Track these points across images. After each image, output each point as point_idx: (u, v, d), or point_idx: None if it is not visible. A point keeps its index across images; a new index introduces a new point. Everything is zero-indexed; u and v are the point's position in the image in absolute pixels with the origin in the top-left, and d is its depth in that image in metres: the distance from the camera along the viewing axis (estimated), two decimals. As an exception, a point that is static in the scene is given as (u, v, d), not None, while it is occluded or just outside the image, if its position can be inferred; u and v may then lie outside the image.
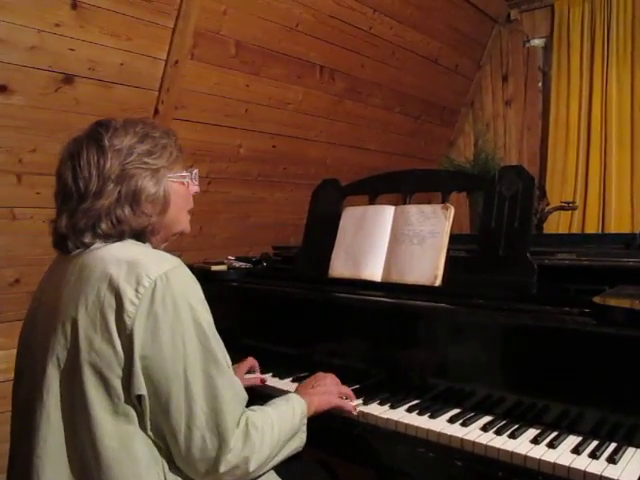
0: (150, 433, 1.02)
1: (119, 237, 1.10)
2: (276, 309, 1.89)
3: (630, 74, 3.48)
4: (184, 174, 1.22)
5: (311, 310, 1.78)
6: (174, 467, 1.05)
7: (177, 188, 1.20)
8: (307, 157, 3.21)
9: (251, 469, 1.08)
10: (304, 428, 1.23)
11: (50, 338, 1.04)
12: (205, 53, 2.43)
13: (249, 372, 1.69)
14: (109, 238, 1.10)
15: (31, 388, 1.07)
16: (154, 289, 1.00)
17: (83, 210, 1.08)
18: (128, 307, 0.99)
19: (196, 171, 1.27)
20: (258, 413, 1.15)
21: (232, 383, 1.09)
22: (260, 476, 1.17)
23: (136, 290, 0.99)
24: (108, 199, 1.08)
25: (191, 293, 1.05)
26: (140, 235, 1.14)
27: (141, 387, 0.99)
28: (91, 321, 1.00)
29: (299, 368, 1.71)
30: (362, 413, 1.42)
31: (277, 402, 1.24)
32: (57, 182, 1.14)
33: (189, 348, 1.02)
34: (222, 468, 1.04)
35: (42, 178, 2.15)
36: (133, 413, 1.01)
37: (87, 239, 1.09)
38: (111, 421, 0.99)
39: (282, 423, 1.17)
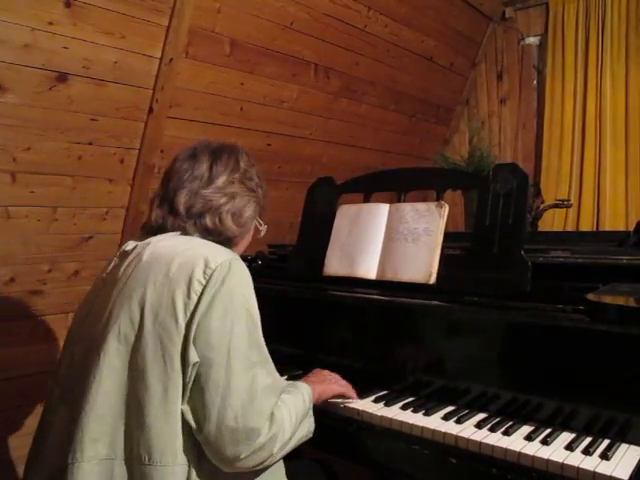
0: (184, 407, 1.07)
1: (202, 234, 1.25)
2: (271, 307, 1.88)
3: (624, 72, 3.48)
4: (262, 223, 1.41)
5: (306, 308, 1.78)
6: (200, 455, 1.09)
7: (252, 229, 1.39)
8: (302, 155, 3.20)
9: (275, 450, 1.12)
10: (311, 412, 1.27)
11: (114, 312, 1.14)
12: (199, 51, 2.42)
13: None
14: (197, 233, 1.24)
15: (85, 354, 1.15)
16: (218, 271, 1.10)
17: (203, 195, 1.24)
18: (196, 285, 1.09)
19: (266, 227, 1.44)
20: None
21: (271, 373, 1.16)
22: (267, 469, 1.19)
23: (204, 271, 1.10)
24: (222, 198, 1.25)
25: (246, 284, 1.16)
26: (223, 243, 1.26)
27: (196, 355, 1.07)
28: (158, 296, 1.10)
29: (294, 366, 1.71)
30: (357, 410, 1.43)
31: (287, 389, 1.28)
32: (187, 163, 1.29)
33: (236, 329, 1.10)
34: (249, 451, 1.07)
35: (36, 177, 2.15)
36: (181, 388, 1.06)
37: (189, 225, 1.24)
38: (162, 391, 1.06)
39: (297, 406, 1.22)
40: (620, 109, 3.50)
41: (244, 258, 2.29)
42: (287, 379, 1.65)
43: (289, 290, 1.84)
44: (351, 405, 1.44)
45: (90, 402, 1.08)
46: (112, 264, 1.28)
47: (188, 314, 1.08)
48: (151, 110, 2.36)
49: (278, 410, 1.14)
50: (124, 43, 2.17)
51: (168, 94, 2.39)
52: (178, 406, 1.06)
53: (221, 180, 1.26)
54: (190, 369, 1.06)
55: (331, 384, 1.43)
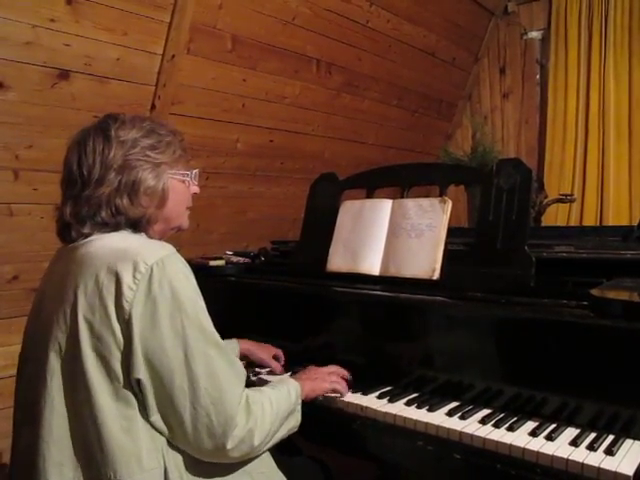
0: (154, 418, 1.05)
1: (116, 227, 1.15)
2: (274, 304, 1.89)
3: (628, 66, 3.47)
4: (185, 172, 1.26)
5: (309, 304, 1.78)
6: (172, 455, 1.07)
7: (177, 185, 1.24)
8: (304, 151, 3.20)
9: (256, 443, 1.12)
10: (299, 408, 1.26)
11: (52, 326, 1.08)
12: (201, 48, 2.42)
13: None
14: (106, 227, 1.14)
15: (34, 376, 1.10)
16: (151, 275, 1.03)
17: (86, 197, 1.13)
18: (126, 292, 1.02)
19: (196, 171, 1.30)
20: (255, 391, 1.20)
21: (231, 362, 1.13)
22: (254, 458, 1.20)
23: (133, 276, 1.03)
24: (109, 187, 1.13)
25: (185, 278, 1.09)
26: (136, 225, 1.17)
27: (140, 371, 1.02)
28: (90, 307, 1.03)
29: (298, 363, 1.71)
30: (361, 407, 1.42)
31: (271, 384, 1.30)
32: (63, 169, 1.20)
33: (188, 330, 1.05)
34: (229, 444, 1.08)
35: (39, 174, 2.15)
36: (133, 397, 1.04)
37: (87, 228, 1.13)
38: (113, 404, 1.02)
39: (279, 400, 1.21)
40: (623, 103, 3.48)
41: (246, 255, 2.31)
42: (290, 375, 1.65)
43: (292, 286, 1.84)
44: (355, 401, 1.44)
45: (46, 427, 1.04)
46: (48, 273, 1.23)
47: (123, 324, 1.01)
48: (153, 107, 2.36)
49: (255, 404, 1.13)
50: (126, 40, 2.16)
51: (170, 91, 2.38)
52: (134, 417, 1.03)
53: (96, 172, 1.13)
54: (135, 382, 1.03)
55: (321, 382, 1.41)
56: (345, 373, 1.49)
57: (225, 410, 1.07)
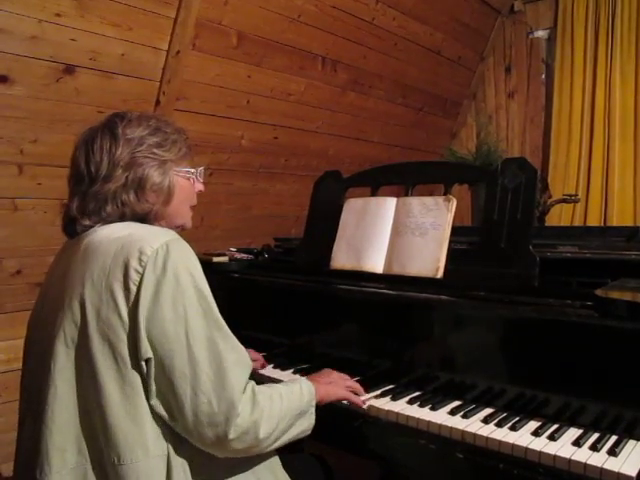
0: (153, 402, 1.04)
1: (121, 219, 1.16)
2: (277, 301, 1.89)
3: (634, 66, 3.46)
4: (190, 170, 1.28)
5: (312, 302, 1.78)
6: (176, 442, 1.06)
7: (182, 182, 1.25)
8: (309, 149, 3.20)
9: (261, 435, 1.09)
10: (312, 410, 1.24)
11: (58, 315, 1.08)
12: (207, 44, 2.42)
13: None
14: (111, 218, 1.16)
15: (38, 365, 1.11)
16: (156, 257, 1.04)
17: (93, 193, 1.15)
18: (133, 275, 1.03)
19: (202, 169, 1.32)
20: (265, 385, 1.18)
21: (235, 348, 1.11)
22: (261, 462, 1.19)
23: (139, 259, 1.04)
24: (115, 183, 1.15)
25: (190, 262, 1.09)
26: (143, 220, 1.19)
27: (148, 350, 1.02)
28: (97, 292, 1.04)
29: (301, 360, 1.72)
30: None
31: (285, 382, 1.28)
32: (71, 166, 1.22)
33: (190, 313, 1.05)
34: (232, 434, 1.05)
35: (43, 169, 2.15)
36: (139, 382, 1.03)
37: (93, 221, 1.15)
38: (119, 390, 1.02)
39: (290, 397, 1.19)
40: (629, 103, 3.47)
41: (250, 251, 2.31)
42: (294, 372, 1.65)
43: (295, 284, 1.84)
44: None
45: (49, 413, 1.04)
46: (53, 266, 1.25)
47: (130, 306, 1.02)
48: (158, 102, 2.37)
49: (262, 394, 1.11)
50: (131, 35, 2.16)
51: (175, 86, 2.38)
52: (140, 402, 1.03)
53: (103, 168, 1.15)
54: (144, 364, 1.03)
55: (337, 387, 1.38)
56: (359, 389, 1.45)
57: (227, 397, 1.04)
